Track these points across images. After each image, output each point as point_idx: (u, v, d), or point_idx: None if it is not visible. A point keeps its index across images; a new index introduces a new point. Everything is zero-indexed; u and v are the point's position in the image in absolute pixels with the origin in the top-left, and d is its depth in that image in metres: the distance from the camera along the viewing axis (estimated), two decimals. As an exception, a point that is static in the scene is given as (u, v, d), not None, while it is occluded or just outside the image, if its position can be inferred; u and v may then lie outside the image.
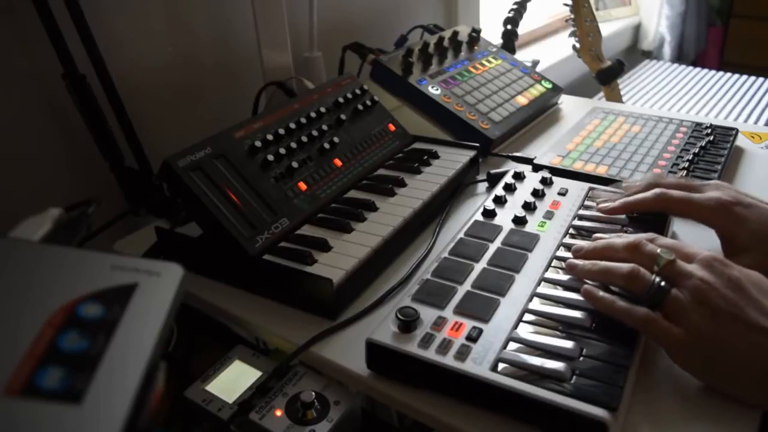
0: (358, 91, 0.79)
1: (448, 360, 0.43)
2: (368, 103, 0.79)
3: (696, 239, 0.59)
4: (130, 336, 0.26)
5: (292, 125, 0.68)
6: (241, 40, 0.90)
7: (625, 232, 0.56)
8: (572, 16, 1.28)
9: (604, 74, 1.32)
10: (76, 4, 0.65)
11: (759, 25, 2.53)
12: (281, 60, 0.87)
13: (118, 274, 0.29)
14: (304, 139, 0.68)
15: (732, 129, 0.83)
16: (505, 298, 0.49)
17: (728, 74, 1.97)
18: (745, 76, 1.94)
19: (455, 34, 1.00)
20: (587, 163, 0.77)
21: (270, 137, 0.65)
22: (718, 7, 2.60)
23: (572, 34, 1.30)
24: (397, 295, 0.56)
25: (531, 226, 0.59)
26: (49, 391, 0.24)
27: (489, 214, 0.61)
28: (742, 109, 1.72)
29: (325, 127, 0.71)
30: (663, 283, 0.44)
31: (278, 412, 0.47)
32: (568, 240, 0.56)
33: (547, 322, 0.47)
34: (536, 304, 0.48)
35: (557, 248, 0.55)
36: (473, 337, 0.45)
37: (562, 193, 0.64)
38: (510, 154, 0.82)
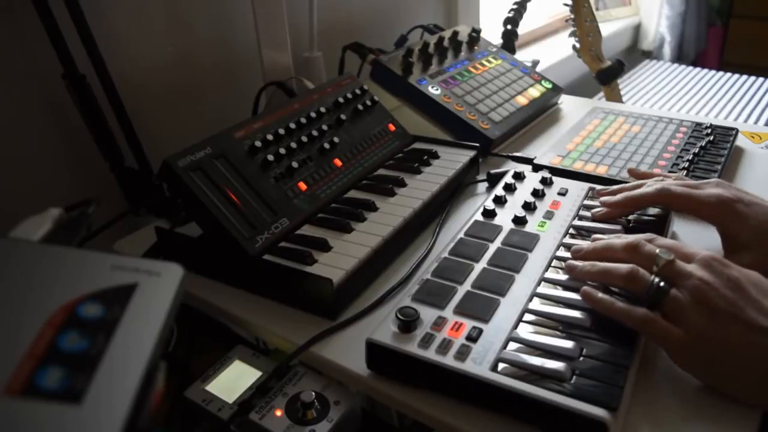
0: (358, 91, 0.79)
1: (448, 360, 0.43)
2: (368, 103, 0.79)
3: (696, 239, 0.59)
4: (130, 336, 0.26)
5: (292, 125, 0.68)
6: (241, 40, 0.90)
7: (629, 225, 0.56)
8: (572, 16, 1.28)
9: (604, 74, 1.32)
10: (76, 4, 0.65)
11: (759, 25, 2.53)
12: (281, 60, 0.87)
13: (118, 274, 0.29)
14: (304, 139, 0.68)
15: (732, 129, 0.83)
16: (505, 298, 0.49)
17: (728, 74, 1.97)
18: (745, 76, 1.94)
19: (455, 34, 1.00)
20: (587, 163, 0.77)
21: (270, 137, 0.65)
22: (718, 7, 2.60)
23: (572, 34, 1.30)
24: (397, 295, 0.56)
25: (531, 226, 0.59)
26: (49, 391, 0.24)
27: (489, 214, 0.61)
28: (742, 109, 1.72)
29: (325, 127, 0.71)
30: (662, 284, 0.44)
31: (278, 412, 0.47)
32: (568, 240, 0.56)
33: (547, 322, 0.47)
34: (536, 304, 0.48)
35: (557, 248, 0.55)
36: (473, 337, 0.45)
37: (562, 193, 0.64)
38: (510, 154, 0.82)
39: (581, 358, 0.43)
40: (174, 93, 0.83)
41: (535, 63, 1.23)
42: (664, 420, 0.43)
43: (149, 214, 0.72)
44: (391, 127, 0.80)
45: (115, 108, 0.71)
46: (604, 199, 0.59)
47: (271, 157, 0.64)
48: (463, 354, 0.43)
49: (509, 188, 0.66)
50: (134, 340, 0.26)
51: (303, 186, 0.65)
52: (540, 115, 0.98)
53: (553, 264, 0.53)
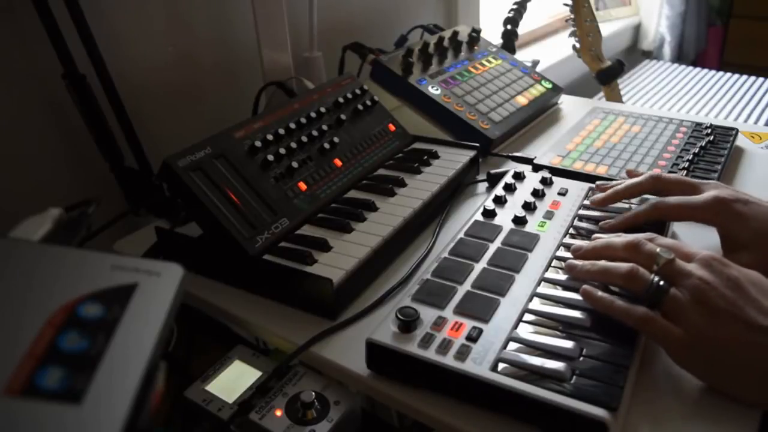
0: (358, 91, 0.79)
1: (448, 360, 0.43)
2: (368, 103, 0.79)
3: (696, 239, 0.59)
4: (130, 336, 0.26)
5: (292, 125, 0.69)
6: (241, 40, 0.90)
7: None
8: (572, 16, 1.28)
9: (604, 74, 1.32)
10: (76, 4, 0.65)
11: (759, 25, 2.53)
12: (281, 60, 0.87)
13: (118, 274, 0.29)
14: (304, 139, 0.68)
15: (732, 129, 0.83)
16: (505, 298, 0.49)
17: (728, 74, 1.97)
18: (745, 76, 1.94)
19: (455, 34, 1.00)
20: (587, 163, 0.77)
21: (270, 137, 0.65)
22: (718, 7, 2.60)
23: (572, 34, 1.30)
24: (397, 295, 0.56)
25: (531, 226, 0.59)
26: (49, 391, 0.24)
27: (489, 214, 0.61)
28: (742, 109, 1.72)
29: (325, 127, 0.71)
30: (662, 283, 0.44)
31: (278, 412, 0.47)
32: (568, 240, 0.56)
33: (547, 322, 0.47)
34: (536, 304, 0.48)
35: (557, 248, 0.55)
36: (473, 337, 0.45)
37: (562, 193, 0.64)
38: (510, 154, 0.82)
39: (581, 358, 0.43)
40: (174, 93, 0.83)
41: (535, 63, 1.23)
42: (664, 420, 0.43)
43: (149, 214, 0.72)
44: (391, 127, 0.80)
45: (115, 108, 0.71)
46: (602, 223, 0.59)
47: (271, 157, 0.64)
48: (463, 354, 0.43)
49: (509, 188, 0.66)
50: (134, 340, 0.26)
51: (303, 186, 0.65)
52: (540, 115, 0.98)
53: (553, 264, 0.53)
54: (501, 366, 0.42)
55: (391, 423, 0.66)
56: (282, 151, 0.65)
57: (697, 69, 2.04)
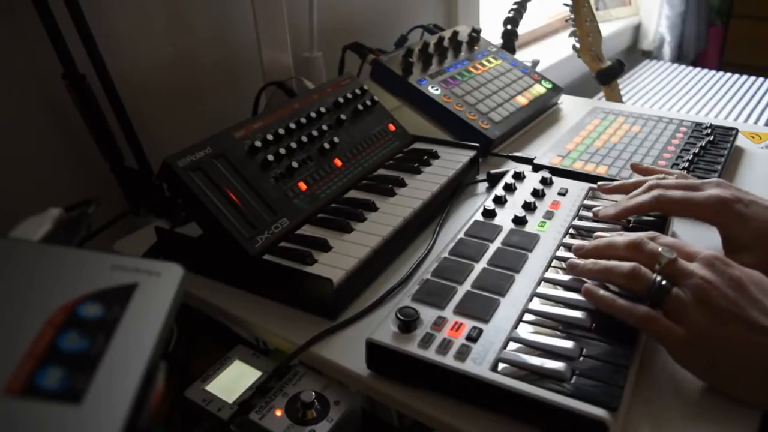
0: (358, 91, 0.79)
1: (448, 360, 0.43)
2: (368, 103, 0.79)
3: (697, 239, 0.59)
4: (130, 336, 0.26)
5: (292, 125, 0.68)
6: (241, 40, 0.90)
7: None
8: (572, 16, 1.28)
9: (604, 74, 1.32)
10: (76, 4, 0.65)
11: (759, 25, 2.53)
12: (281, 60, 0.87)
13: (118, 274, 0.29)
14: (304, 139, 0.68)
15: (732, 129, 0.83)
16: (505, 298, 0.49)
17: (728, 74, 1.97)
18: (745, 76, 1.94)
19: (455, 34, 1.00)
20: (587, 163, 0.77)
21: (270, 137, 0.65)
22: (718, 7, 2.60)
23: (572, 34, 1.30)
24: (397, 295, 0.56)
25: (531, 226, 0.59)
26: (49, 391, 0.24)
27: (489, 214, 0.61)
28: (742, 109, 1.72)
29: (325, 127, 0.71)
30: (664, 282, 0.44)
31: (278, 412, 0.47)
32: (568, 240, 0.56)
33: (547, 322, 0.47)
34: (536, 304, 0.48)
35: (557, 248, 0.55)
36: (473, 337, 0.45)
37: (562, 193, 0.64)
38: (510, 154, 0.82)
39: (581, 358, 0.43)
40: (174, 93, 0.83)
41: (535, 63, 1.23)
42: (664, 420, 0.42)
43: (149, 214, 0.72)
44: (391, 127, 0.80)
45: (115, 108, 0.71)
46: (601, 214, 0.59)
47: (271, 157, 0.64)
48: (463, 354, 0.43)
49: (509, 188, 0.66)
50: (134, 340, 0.26)
51: (303, 186, 0.65)
52: (540, 115, 0.98)
53: (553, 264, 0.53)
54: (501, 366, 0.42)
55: (391, 423, 0.66)
56: (282, 151, 0.65)
57: (697, 69, 2.04)
